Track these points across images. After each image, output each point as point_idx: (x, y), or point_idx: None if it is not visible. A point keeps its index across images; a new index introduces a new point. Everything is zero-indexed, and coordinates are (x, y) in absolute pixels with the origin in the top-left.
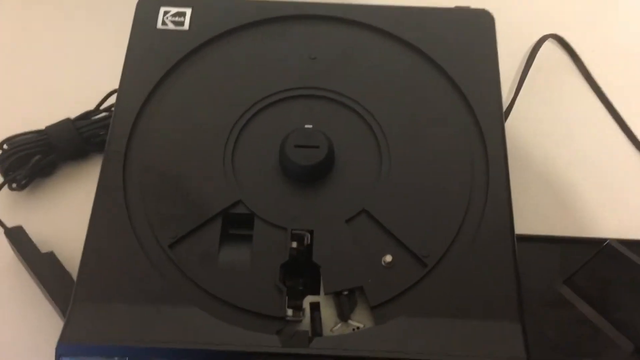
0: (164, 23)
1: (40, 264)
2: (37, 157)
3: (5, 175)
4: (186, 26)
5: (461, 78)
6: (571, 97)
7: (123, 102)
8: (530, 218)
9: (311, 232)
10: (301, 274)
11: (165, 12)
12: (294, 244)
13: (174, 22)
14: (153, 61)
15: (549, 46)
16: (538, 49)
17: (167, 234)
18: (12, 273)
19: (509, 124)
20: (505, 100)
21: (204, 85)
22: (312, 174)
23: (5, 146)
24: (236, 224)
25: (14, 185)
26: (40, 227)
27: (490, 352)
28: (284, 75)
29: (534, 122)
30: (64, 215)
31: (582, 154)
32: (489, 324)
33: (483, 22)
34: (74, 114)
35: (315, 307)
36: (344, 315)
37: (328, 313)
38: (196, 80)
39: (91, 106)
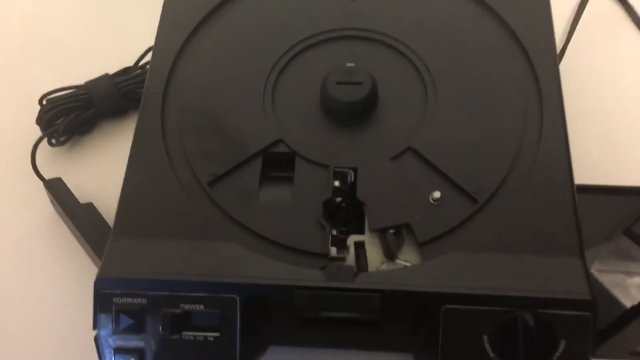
0: None
1: (79, 213)
2: (76, 112)
3: (44, 130)
4: None
5: (513, 20)
6: (622, 45)
7: (161, 44)
8: (584, 168)
9: (355, 170)
10: (344, 218)
11: None
12: (337, 183)
13: None
14: (190, 7)
15: None
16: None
17: (206, 172)
18: (51, 225)
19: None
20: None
21: (243, 29)
22: (354, 111)
23: (44, 102)
24: (277, 164)
25: (54, 140)
26: (79, 181)
27: (550, 288)
28: (324, 16)
29: (585, 70)
30: (102, 170)
31: (635, 102)
32: (548, 259)
33: None
34: (112, 70)
35: (360, 245)
36: (390, 254)
37: (374, 252)
38: (234, 24)
39: (129, 63)
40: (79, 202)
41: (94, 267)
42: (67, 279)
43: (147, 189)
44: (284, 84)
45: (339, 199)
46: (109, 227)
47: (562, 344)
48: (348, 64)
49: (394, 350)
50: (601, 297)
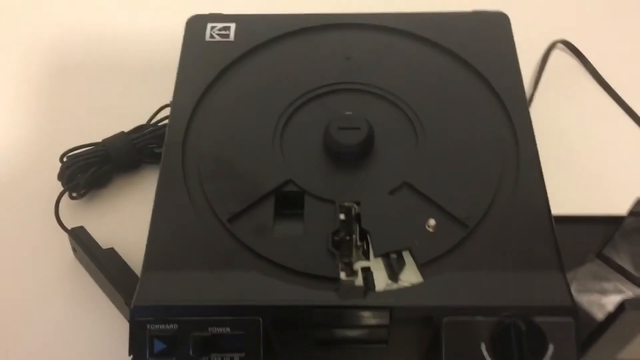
0: (211, 36)
1: (102, 258)
2: (94, 168)
3: (66, 185)
4: (232, 38)
5: (485, 69)
6: (583, 96)
7: (179, 101)
8: (557, 200)
9: (358, 204)
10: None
11: (212, 27)
12: (342, 216)
13: (221, 35)
14: (204, 67)
15: (559, 52)
16: (549, 54)
17: (225, 210)
18: (73, 273)
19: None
20: None
21: (251, 85)
22: (355, 152)
23: (65, 159)
24: (288, 202)
25: (74, 194)
26: (99, 230)
27: (536, 298)
28: (322, 73)
29: (552, 114)
30: (120, 219)
31: (598, 146)
32: (533, 274)
33: (500, 22)
34: (127, 128)
35: (366, 270)
36: (394, 275)
37: (379, 275)
38: (243, 82)
39: (143, 121)
40: (101, 247)
41: (116, 311)
42: (90, 322)
43: (173, 227)
44: (291, 131)
45: (343, 234)
46: (131, 269)
47: (551, 348)
48: (347, 112)
49: None
50: (582, 316)
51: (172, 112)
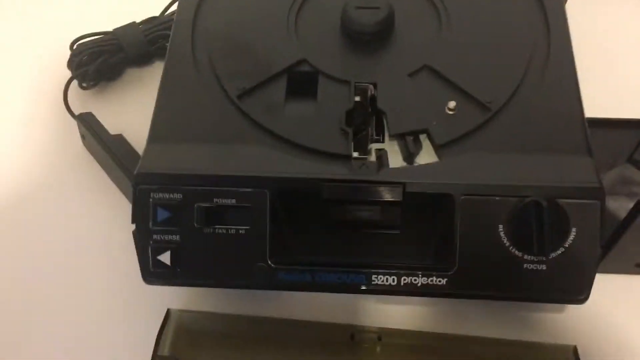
0: None
1: (110, 142)
2: (104, 56)
3: (75, 72)
4: None
5: None
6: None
7: None
8: (588, 104)
9: (374, 86)
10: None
11: None
12: (358, 97)
13: None
14: None
15: None
16: None
17: (234, 87)
18: (82, 160)
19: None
20: None
21: None
22: (373, 32)
23: (75, 46)
24: (301, 83)
25: (84, 84)
26: (108, 119)
27: (563, 181)
28: None
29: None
30: (129, 110)
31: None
32: (559, 157)
33: None
34: (139, 19)
35: (380, 150)
36: (409, 157)
37: (394, 157)
38: None
39: (156, 13)
40: (109, 133)
41: (124, 198)
42: (97, 209)
43: (180, 101)
44: (307, 11)
45: (357, 114)
46: (139, 154)
47: (574, 232)
48: None
49: (415, 257)
50: (608, 219)
51: None
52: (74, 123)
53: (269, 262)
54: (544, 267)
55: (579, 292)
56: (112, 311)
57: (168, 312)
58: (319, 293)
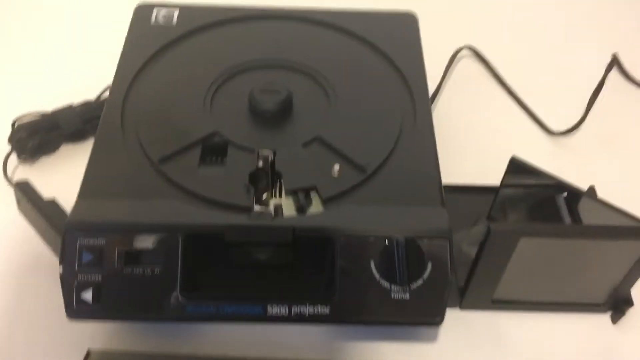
0: (156, 21)
1: (44, 207)
2: (42, 133)
3: (15, 147)
4: (174, 22)
5: (391, 52)
6: (483, 91)
7: (121, 69)
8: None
9: (274, 153)
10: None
11: (158, 12)
12: (260, 163)
13: (164, 19)
14: (148, 44)
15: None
16: (455, 56)
17: (156, 153)
18: (16, 225)
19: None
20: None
21: (188, 60)
22: (274, 111)
23: (16, 124)
24: (213, 152)
25: (23, 156)
26: (44, 189)
27: (420, 225)
28: (252, 52)
29: (453, 113)
30: (64, 179)
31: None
32: (419, 208)
33: (409, 20)
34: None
35: (277, 205)
36: (301, 209)
37: (288, 209)
38: (181, 57)
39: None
40: (43, 198)
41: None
42: (30, 267)
43: (108, 164)
44: (221, 93)
45: (259, 174)
46: None
47: (429, 266)
48: (270, 81)
49: (304, 289)
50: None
51: (114, 78)
52: (11, 190)
53: (179, 297)
54: (407, 295)
55: (436, 315)
56: (34, 352)
57: (88, 352)
58: (228, 329)
